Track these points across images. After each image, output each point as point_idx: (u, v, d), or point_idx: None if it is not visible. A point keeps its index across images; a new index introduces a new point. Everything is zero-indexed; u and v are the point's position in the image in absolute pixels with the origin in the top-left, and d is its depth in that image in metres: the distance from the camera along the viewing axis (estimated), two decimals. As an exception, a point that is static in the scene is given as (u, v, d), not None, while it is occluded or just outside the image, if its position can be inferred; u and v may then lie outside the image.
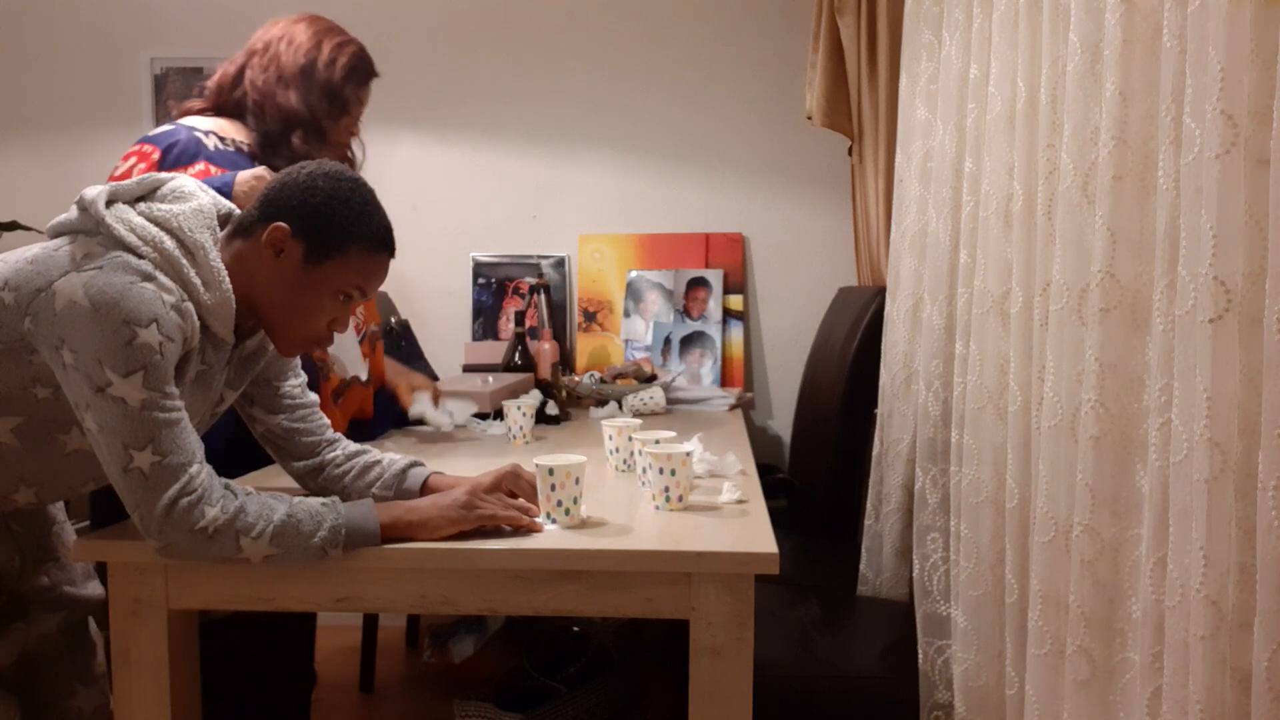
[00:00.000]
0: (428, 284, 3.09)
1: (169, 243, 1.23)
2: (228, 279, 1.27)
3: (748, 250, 3.06)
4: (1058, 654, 1.25)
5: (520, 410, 2.06)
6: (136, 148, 1.75)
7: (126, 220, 1.23)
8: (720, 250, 3.05)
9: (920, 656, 1.73)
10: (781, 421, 3.05)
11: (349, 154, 1.94)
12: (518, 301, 3.05)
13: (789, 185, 3.04)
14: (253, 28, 3.20)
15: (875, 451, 2.09)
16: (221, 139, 1.80)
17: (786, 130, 2.99)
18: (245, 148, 1.82)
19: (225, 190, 1.63)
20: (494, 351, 2.86)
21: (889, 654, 1.78)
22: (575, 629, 2.48)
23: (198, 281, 1.24)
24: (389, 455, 1.52)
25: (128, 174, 1.70)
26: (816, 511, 2.43)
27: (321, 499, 1.28)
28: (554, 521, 1.36)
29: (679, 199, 3.06)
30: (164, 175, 1.32)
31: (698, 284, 3.02)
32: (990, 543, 1.51)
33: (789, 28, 2.96)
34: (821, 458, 2.45)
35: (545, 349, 2.75)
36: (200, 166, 1.73)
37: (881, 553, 2.06)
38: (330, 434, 1.52)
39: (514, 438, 2.07)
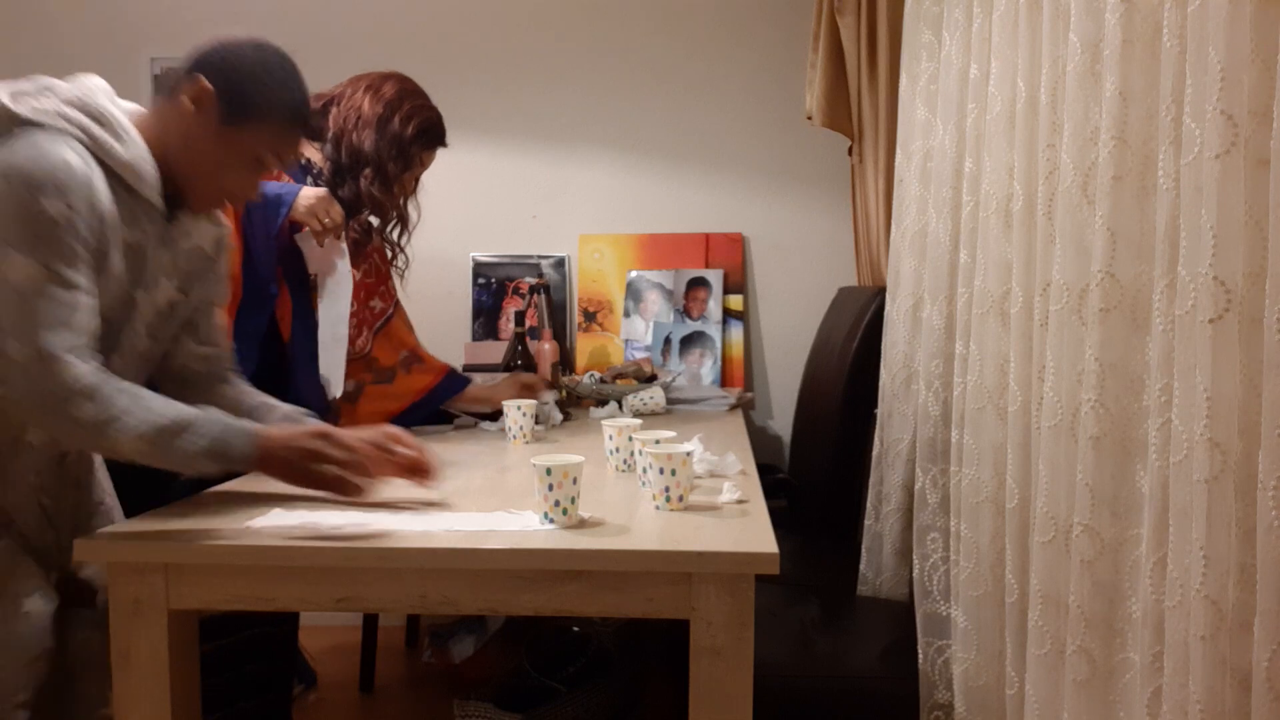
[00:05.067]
0: (428, 284, 3.08)
1: (73, 111, 1.26)
2: (139, 137, 1.30)
3: (748, 250, 3.06)
4: (1058, 654, 1.25)
5: (520, 410, 2.06)
6: None
7: (31, 105, 1.25)
8: (720, 250, 3.05)
9: (920, 656, 1.73)
10: (781, 421, 3.05)
11: (404, 212, 2.10)
12: (518, 301, 3.05)
13: (789, 185, 3.04)
14: (252, 28, 3.19)
15: (875, 451, 2.09)
16: None
17: (786, 130, 2.99)
18: (305, 160, 1.97)
19: (288, 198, 1.77)
20: (494, 351, 2.86)
21: (889, 654, 1.78)
22: (575, 629, 2.48)
23: (108, 138, 1.27)
24: (278, 403, 1.54)
25: None
26: (816, 511, 2.43)
27: (206, 410, 1.31)
28: (551, 521, 1.36)
29: (679, 199, 3.06)
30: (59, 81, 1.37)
31: (698, 284, 3.02)
32: (990, 543, 1.51)
33: (789, 28, 2.95)
34: (821, 458, 2.45)
35: (545, 349, 2.75)
36: None
37: (881, 553, 2.06)
38: (236, 371, 1.55)
39: (514, 438, 2.07)
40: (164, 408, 1.26)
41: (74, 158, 1.20)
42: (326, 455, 1.33)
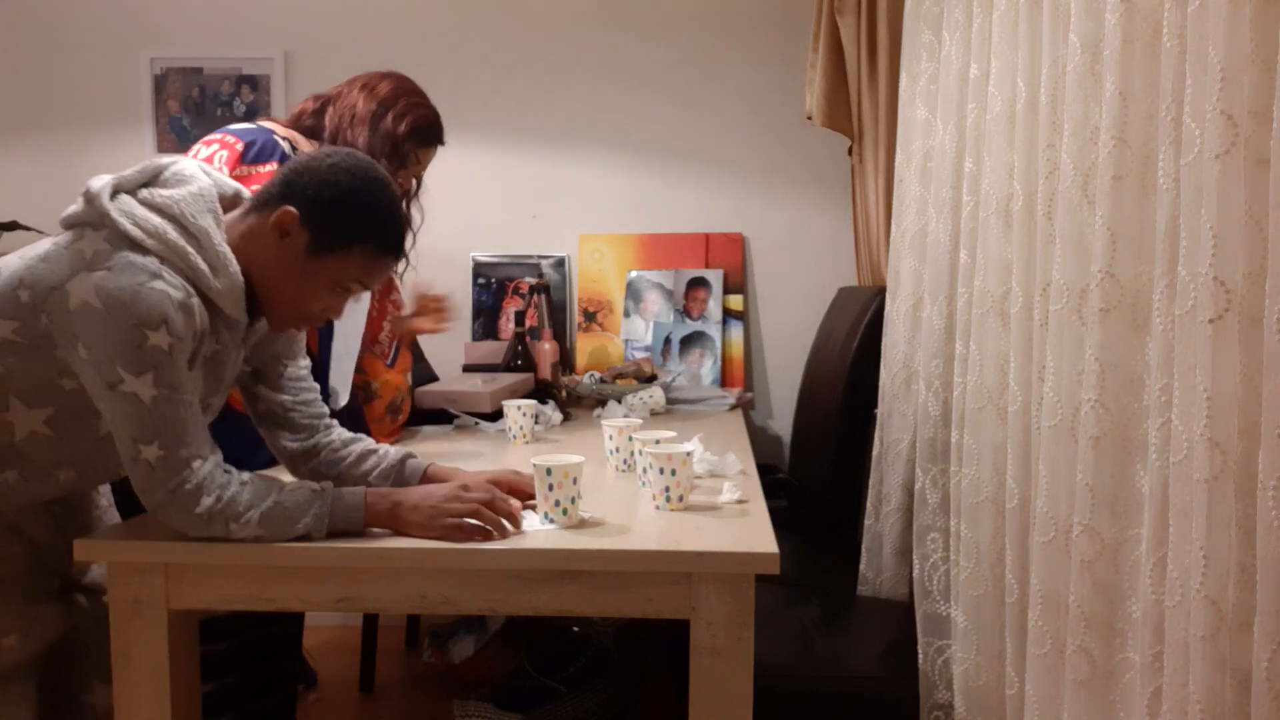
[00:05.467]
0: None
1: (172, 233, 1.25)
2: (234, 261, 1.29)
3: (748, 250, 3.06)
4: (1058, 654, 1.25)
5: (520, 410, 2.06)
6: (219, 137, 1.84)
7: (129, 212, 1.25)
8: (720, 250, 3.05)
9: (920, 656, 1.73)
10: (781, 421, 3.05)
11: (406, 214, 2.07)
12: (518, 301, 3.05)
13: (789, 185, 3.04)
14: (253, 28, 3.20)
15: (875, 451, 2.09)
16: (294, 146, 1.90)
17: (786, 130, 2.99)
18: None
19: None
20: (494, 351, 2.86)
21: (889, 654, 1.78)
22: (575, 629, 2.48)
23: (205, 267, 1.26)
24: (384, 445, 1.55)
25: (208, 160, 1.79)
26: (816, 511, 2.43)
27: (314, 486, 1.31)
28: (551, 521, 1.36)
29: (679, 199, 3.06)
30: (165, 160, 1.34)
31: (698, 284, 3.01)
32: (990, 543, 1.51)
33: (789, 28, 2.95)
34: (821, 458, 2.45)
35: (545, 349, 2.75)
36: (274, 165, 1.83)
37: (881, 553, 2.06)
38: (328, 419, 1.54)
39: (514, 438, 2.07)
40: (274, 493, 1.27)
41: (173, 290, 1.21)
42: (462, 509, 1.31)
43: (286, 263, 1.30)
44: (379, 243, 1.32)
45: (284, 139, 1.89)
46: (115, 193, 1.27)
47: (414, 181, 2.10)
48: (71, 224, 1.28)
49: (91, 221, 1.26)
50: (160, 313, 1.19)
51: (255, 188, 1.65)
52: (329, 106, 1.97)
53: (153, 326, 1.18)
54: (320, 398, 1.54)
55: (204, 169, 1.35)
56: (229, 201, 1.37)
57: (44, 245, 1.27)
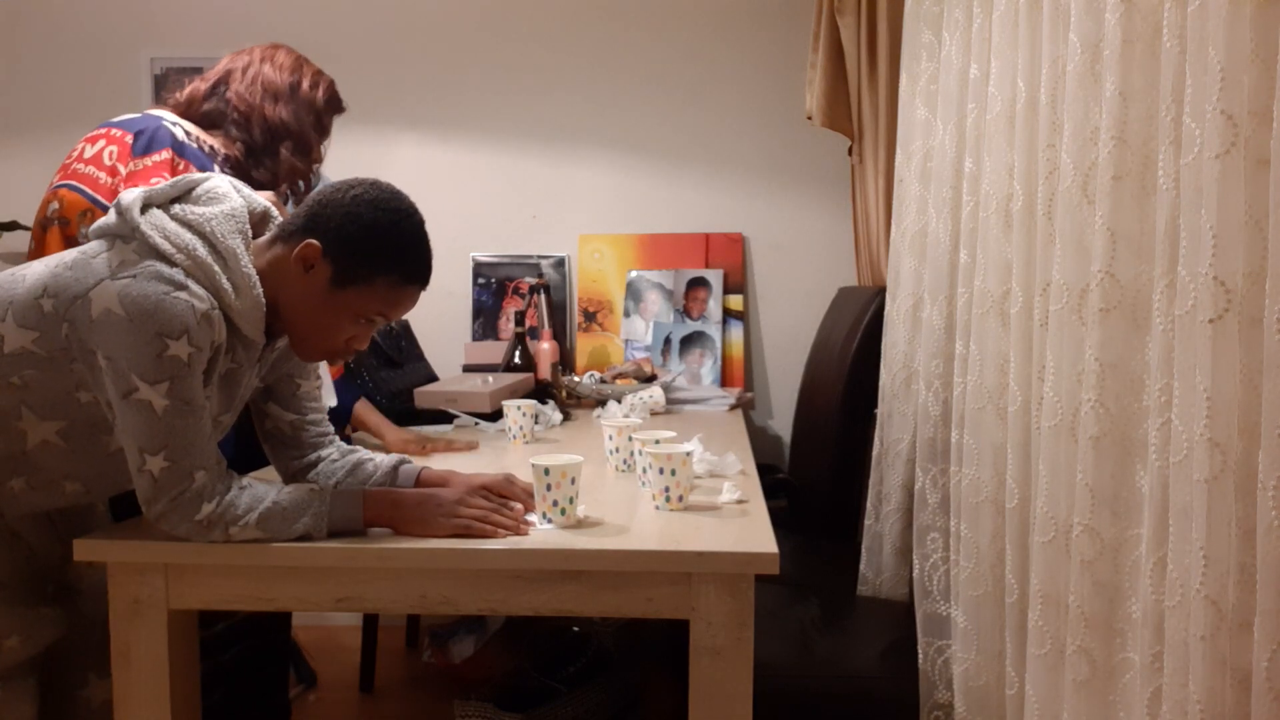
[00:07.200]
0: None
1: (201, 250, 1.25)
2: (259, 284, 1.29)
3: (748, 250, 3.06)
4: (1058, 654, 1.25)
5: (520, 410, 2.06)
6: (104, 131, 1.73)
7: (160, 226, 1.26)
8: (720, 250, 3.04)
9: (920, 656, 1.73)
10: (781, 421, 3.05)
11: (311, 180, 1.96)
12: (518, 301, 3.05)
13: (789, 185, 3.04)
14: (253, 28, 3.19)
15: (875, 451, 2.09)
16: (188, 133, 1.80)
17: (786, 130, 2.99)
18: (209, 149, 1.82)
19: None
20: (494, 351, 2.86)
21: (889, 654, 1.78)
22: (575, 629, 2.48)
23: (228, 287, 1.26)
24: (379, 455, 1.55)
25: (97, 156, 1.70)
26: (816, 511, 2.43)
27: (312, 486, 1.33)
28: (550, 521, 1.36)
29: (679, 199, 3.06)
30: (199, 176, 1.34)
31: (698, 284, 3.01)
32: (990, 543, 1.51)
33: (789, 28, 2.95)
34: (821, 458, 2.45)
35: (545, 349, 2.76)
36: (165, 155, 1.73)
37: (881, 553, 2.06)
38: (331, 435, 1.54)
39: (514, 438, 2.07)
40: (273, 495, 1.28)
41: (198, 302, 1.21)
42: (464, 511, 1.32)
43: (311, 295, 1.30)
44: (403, 273, 1.31)
45: (175, 125, 1.77)
46: (146, 207, 1.27)
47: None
48: (101, 234, 1.29)
49: (122, 234, 1.27)
50: (182, 323, 1.19)
51: (155, 180, 1.59)
52: (225, 88, 1.83)
53: (174, 336, 1.19)
54: (327, 416, 1.55)
55: (237, 186, 1.35)
56: (257, 219, 1.38)
57: (71, 254, 1.28)
